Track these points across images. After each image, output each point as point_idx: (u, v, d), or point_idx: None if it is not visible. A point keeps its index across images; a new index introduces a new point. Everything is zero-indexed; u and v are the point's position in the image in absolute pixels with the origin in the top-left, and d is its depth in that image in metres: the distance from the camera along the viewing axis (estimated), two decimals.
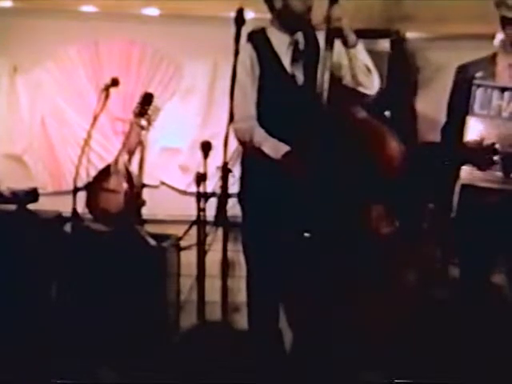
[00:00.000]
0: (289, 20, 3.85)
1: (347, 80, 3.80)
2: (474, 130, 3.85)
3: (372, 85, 3.81)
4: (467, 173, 3.86)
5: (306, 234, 3.52)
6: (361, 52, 3.77)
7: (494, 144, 3.81)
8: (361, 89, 3.80)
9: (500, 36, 3.92)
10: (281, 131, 3.74)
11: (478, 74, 3.89)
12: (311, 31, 3.85)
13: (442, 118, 4.11)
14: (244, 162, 3.93)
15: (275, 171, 3.69)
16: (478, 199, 3.83)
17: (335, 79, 3.73)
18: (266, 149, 3.73)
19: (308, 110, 3.60)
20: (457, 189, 3.86)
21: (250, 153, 3.86)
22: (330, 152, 3.53)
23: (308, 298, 3.59)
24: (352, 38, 3.72)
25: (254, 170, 3.86)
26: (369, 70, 3.78)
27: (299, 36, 3.88)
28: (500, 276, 4.05)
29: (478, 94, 3.86)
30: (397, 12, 4.90)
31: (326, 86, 3.57)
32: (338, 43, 3.70)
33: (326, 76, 3.58)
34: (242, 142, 3.85)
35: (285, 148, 3.69)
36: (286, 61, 3.86)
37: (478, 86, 3.85)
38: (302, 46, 3.88)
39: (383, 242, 3.66)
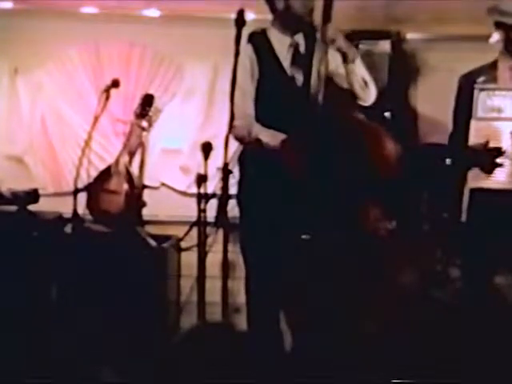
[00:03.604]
0: (290, 21, 3.86)
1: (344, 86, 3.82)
2: (478, 133, 3.88)
3: (367, 97, 3.83)
4: (475, 176, 3.88)
5: (304, 236, 3.53)
6: (359, 67, 3.78)
7: (499, 147, 3.84)
8: (356, 100, 3.81)
9: (496, 36, 3.95)
10: (280, 131, 3.74)
11: (480, 79, 3.93)
12: (312, 32, 3.85)
13: (443, 119, 4.12)
14: (242, 164, 3.93)
15: (273, 173, 3.69)
16: (487, 202, 3.85)
17: (334, 81, 3.75)
18: (264, 137, 3.73)
19: (307, 110, 3.60)
20: (465, 193, 3.88)
21: (248, 152, 3.86)
22: (327, 153, 3.54)
23: (307, 299, 3.59)
24: (351, 53, 3.73)
25: (252, 171, 3.86)
26: (366, 83, 3.80)
27: (300, 38, 3.89)
28: (505, 278, 4.06)
29: (481, 98, 3.89)
30: (397, 13, 4.90)
31: (322, 87, 3.59)
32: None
33: (322, 74, 3.60)
34: (240, 139, 3.84)
35: (282, 135, 3.70)
36: (286, 62, 3.86)
37: (481, 89, 3.89)
38: (302, 48, 3.88)
39: (380, 242, 3.66)
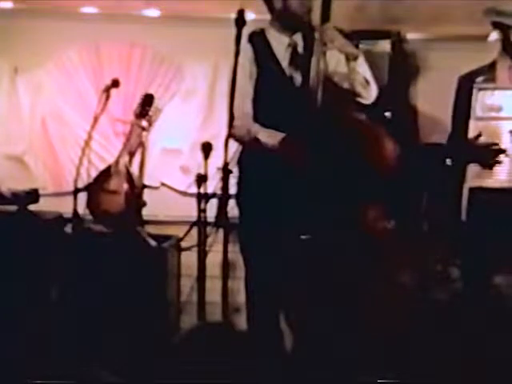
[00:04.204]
0: (288, 21, 3.85)
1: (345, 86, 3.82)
2: (477, 132, 3.89)
3: (369, 96, 3.83)
4: (474, 175, 3.89)
5: (303, 237, 3.53)
6: (361, 65, 3.78)
7: (497, 143, 3.85)
8: (357, 98, 3.81)
9: (494, 35, 3.95)
10: (278, 131, 3.74)
11: (479, 79, 3.93)
12: (311, 32, 3.85)
13: (443, 118, 4.12)
14: (241, 163, 3.93)
15: (273, 173, 3.69)
16: (486, 201, 3.86)
17: (332, 81, 3.75)
18: (263, 137, 3.72)
19: (306, 111, 3.61)
20: (465, 192, 3.89)
21: (248, 152, 3.86)
22: (326, 152, 3.54)
23: (306, 299, 3.59)
24: (352, 52, 3.73)
25: (252, 171, 3.86)
26: (367, 81, 3.80)
27: (298, 37, 3.89)
28: (505, 278, 4.06)
29: (480, 98, 3.90)
30: (397, 13, 4.90)
31: (321, 87, 3.59)
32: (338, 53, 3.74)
33: (321, 74, 3.61)
34: (240, 139, 3.83)
35: (281, 134, 3.70)
36: (285, 62, 3.86)
37: (479, 89, 3.90)
38: (300, 48, 3.88)
39: (380, 242, 3.66)
